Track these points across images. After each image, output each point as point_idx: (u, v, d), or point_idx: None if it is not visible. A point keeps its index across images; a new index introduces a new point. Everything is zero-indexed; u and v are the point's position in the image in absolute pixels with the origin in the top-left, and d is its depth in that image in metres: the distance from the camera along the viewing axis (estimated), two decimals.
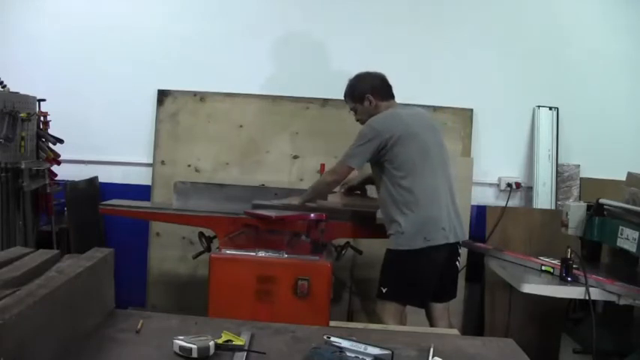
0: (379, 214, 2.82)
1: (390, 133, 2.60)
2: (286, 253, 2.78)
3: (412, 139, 2.62)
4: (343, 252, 2.95)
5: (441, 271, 2.67)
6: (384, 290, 2.65)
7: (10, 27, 3.80)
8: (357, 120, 2.86)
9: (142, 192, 3.69)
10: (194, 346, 1.32)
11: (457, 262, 2.78)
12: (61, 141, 3.32)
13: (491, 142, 3.78)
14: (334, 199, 3.05)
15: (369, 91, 2.77)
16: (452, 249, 2.70)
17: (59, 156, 3.40)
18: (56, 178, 3.40)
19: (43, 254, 1.57)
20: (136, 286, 3.69)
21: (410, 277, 2.62)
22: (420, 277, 2.64)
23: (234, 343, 1.40)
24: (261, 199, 3.02)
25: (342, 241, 3.01)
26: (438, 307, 2.77)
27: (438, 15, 3.77)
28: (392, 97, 2.82)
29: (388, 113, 2.72)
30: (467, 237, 2.79)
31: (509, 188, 3.74)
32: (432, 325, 2.76)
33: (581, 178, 3.75)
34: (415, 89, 3.71)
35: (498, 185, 3.79)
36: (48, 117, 3.34)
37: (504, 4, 3.78)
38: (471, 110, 3.75)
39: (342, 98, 3.73)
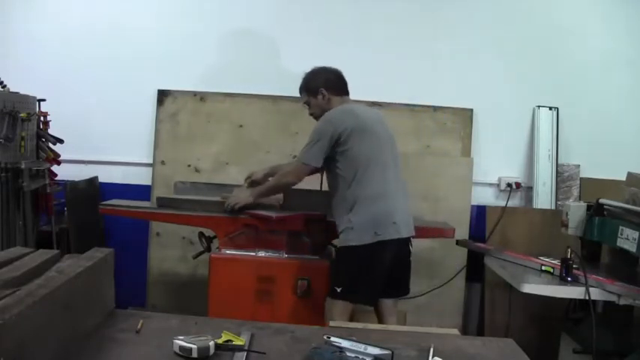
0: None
1: (344, 127, 2.58)
2: (286, 253, 2.78)
3: (365, 133, 2.61)
4: None
5: (391, 266, 2.62)
6: (338, 290, 2.60)
7: (11, 27, 3.80)
8: (311, 114, 2.85)
9: (142, 192, 3.68)
10: (194, 346, 1.32)
11: (409, 258, 2.74)
12: (61, 141, 3.32)
13: (491, 142, 3.78)
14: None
15: (322, 85, 2.76)
16: (403, 244, 2.66)
17: (59, 156, 3.40)
18: (56, 178, 3.40)
19: (43, 254, 1.57)
20: (136, 286, 3.69)
21: (362, 274, 2.58)
22: (372, 273, 2.59)
23: (234, 343, 1.40)
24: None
25: None
26: (387, 303, 2.73)
27: (439, 15, 3.77)
28: (346, 93, 2.81)
29: (342, 108, 2.71)
30: (413, 233, 2.72)
31: (509, 188, 3.74)
32: (380, 321, 2.71)
33: (581, 178, 3.75)
34: (415, 89, 3.73)
35: (498, 185, 3.79)
36: (48, 117, 3.34)
37: (504, 4, 3.78)
38: (471, 110, 3.75)
39: None
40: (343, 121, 2.61)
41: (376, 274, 2.60)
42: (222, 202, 2.86)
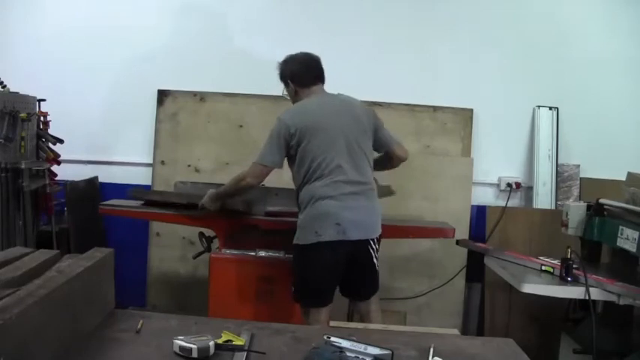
0: None
1: (295, 126, 2.53)
2: (286, 253, 2.78)
3: (316, 131, 2.53)
4: None
5: (342, 267, 2.54)
6: (292, 290, 2.60)
7: (11, 27, 3.80)
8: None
9: None
10: (194, 346, 1.32)
11: (374, 260, 2.59)
12: (61, 141, 3.32)
13: (491, 142, 3.78)
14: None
15: (288, 77, 2.71)
16: (358, 246, 2.52)
17: (59, 156, 3.40)
18: (56, 178, 3.40)
19: (43, 254, 1.57)
20: (136, 286, 3.69)
21: (306, 274, 2.54)
22: (312, 274, 2.53)
23: (234, 343, 1.40)
24: (262, 200, 3.02)
25: None
26: (361, 305, 2.69)
27: (439, 16, 3.77)
28: (314, 83, 2.70)
29: (297, 105, 2.67)
30: (376, 235, 2.59)
31: (509, 188, 3.74)
32: (363, 322, 2.65)
33: (581, 178, 3.75)
34: (415, 89, 3.73)
35: (498, 185, 3.79)
36: (48, 117, 3.34)
37: (505, 4, 3.77)
38: (471, 110, 3.75)
39: None
40: (292, 120, 2.55)
41: (316, 275, 2.53)
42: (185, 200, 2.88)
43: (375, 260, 2.60)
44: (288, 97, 2.80)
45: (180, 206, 2.90)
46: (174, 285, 3.75)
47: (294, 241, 2.56)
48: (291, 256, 2.70)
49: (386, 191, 2.97)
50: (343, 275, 2.57)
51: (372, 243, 2.57)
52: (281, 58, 3.76)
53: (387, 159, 2.80)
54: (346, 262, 2.53)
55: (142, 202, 3.05)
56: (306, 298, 2.58)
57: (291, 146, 2.56)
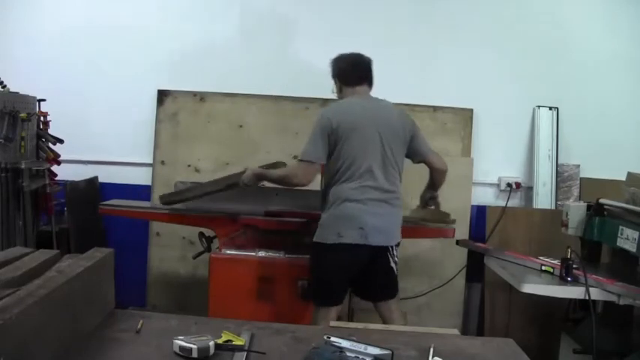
0: None
1: (337, 123, 2.52)
2: (286, 253, 2.78)
3: (353, 132, 2.52)
4: None
5: (359, 271, 2.56)
6: (306, 288, 2.62)
7: (11, 27, 3.80)
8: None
9: (142, 192, 3.69)
10: (194, 346, 1.32)
11: (391, 264, 2.62)
12: (61, 141, 3.32)
13: (491, 142, 3.78)
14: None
15: (335, 74, 2.72)
16: (377, 251, 2.55)
17: (59, 156, 3.40)
18: (56, 178, 3.40)
19: (43, 254, 1.57)
20: (136, 286, 3.69)
21: (318, 273, 2.57)
22: (328, 274, 2.56)
23: (234, 343, 1.40)
24: (262, 200, 3.02)
25: None
26: (382, 305, 2.70)
27: (439, 15, 3.77)
28: (359, 83, 2.69)
29: (339, 103, 2.67)
30: (396, 242, 2.63)
31: (509, 188, 3.74)
32: (384, 322, 2.67)
33: (581, 178, 3.75)
34: (415, 89, 3.73)
35: (498, 185, 3.79)
36: (48, 117, 3.34)
37: (505, 4, 3.78)
38: (471, 110, 3.75)
39: None
40: (334, 116, 2.55)
41: (335, 276, 2.55)
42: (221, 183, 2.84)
43: (392, 265, 2.63)
44: (336, 96, 2.80)
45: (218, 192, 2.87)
46: (174, 285, 3.75)
47: (314, 239, 2.57)
48: (292, 256, 2.70)
49: (444, 218, 2.94)
50: (360, 278, 2.60)
51: (390, 249, 2.61)
52: (280, 57, 3.80)
53: (430, 173, 2.81)
54: (364, 265, 2.56)
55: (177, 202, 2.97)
56: (319, 297, 2.60)
57: (331, 142, 2.54)
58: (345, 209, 2.50)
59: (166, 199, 2.96)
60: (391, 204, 2.58)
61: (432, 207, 2.91)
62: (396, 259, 2.65)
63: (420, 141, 2.73)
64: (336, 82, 2.74)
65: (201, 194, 2.90)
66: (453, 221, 2.99)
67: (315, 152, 2.55)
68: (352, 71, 2.71)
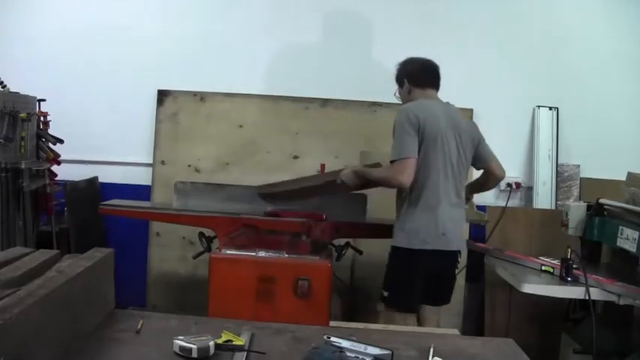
0: None
1: (421, 118, 2.48)
2: (286, 253, 2.78)
3: (438, 135, 2.50)
4: (343, 252, 2.95)
5: (434, 276, 2.59)
6: (385, 294, 2.60)
7: (10, 27, 3.80)
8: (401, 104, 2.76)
9: (142, 192, 3.69)
10: (194, 346, 1.32)
11: (455, 270, 2.69)
12: (61, 141, 3.32)
13: (491, 142, 3.73)
14: None
15: (405, 75, 2.70)
16: (451, 256, 2.61)
17: (59, 156, 3.40)
18: (56, 178, 3.40)
19: (43, 254, 1.57)
20: (136, 286, 3.69)
21: (403, 278, 2.57)
22: (411, 279, 2.56)
23: (234, 343, 1.40)
24: (261, 199, 3.02)
25: (342, 241, 3.01)
26: (430, 309, 2.71)
27: (438, 15, 3.77)
28: (430, 86, 2.68)
29: (416, 102, 2.61)
30: (465, 248, 2.70)
31: (509, 188, 3.73)
32: (419, 324, 2.69)
33: (581, 178, 3.75)
34: None
35: (498, 185, 3.78)
36: (48, 117, 3.34)
37: (505, 4, 3.78)
38: (471, 110, 3.75)
39: (342, 98, 3.77)
40: (420, 114, 2.49)
41: (418, 281, 2.57)
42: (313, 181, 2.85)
43: (456, 271, 2.67)
44: (399, 99, 2.78)
45: (316, 189, 2.85)
46: (174, 285, 3.75)
47: (395, 244, 2.57)
48: (292, 256, 2.70)
49: (480, 218, 3.00)
50: (432, 282, 2.61)
51: (459, 255, 2.65)
52: (280, 57, 3.80)
53: (485, 178, 2.82)
54: (440, 269, 2.60)
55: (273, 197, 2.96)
56: (404, 303, 2.60)
57: (418, 138, 2.49)
58: (430, 215, 2.51)
59: (263, 191, 2.94)
60: (462, 208, 2.63)
61: (467, 207, 2.91)
62: (458, 264, 2.68)
63: (486, 147, 2.75)
64: (404, 84, 2.71)
65: (299, 188, 2.89)
66: (487, 221, 3.00)
67: (410, 147, 2.48)
68: (423, 73, 2.70)
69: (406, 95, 2.71)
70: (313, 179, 2.94)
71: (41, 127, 3.30)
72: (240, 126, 3.77)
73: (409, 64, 2.72)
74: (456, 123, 2.61)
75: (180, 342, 1.34)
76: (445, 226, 2.52)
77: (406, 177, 2.46)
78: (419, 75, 2.70)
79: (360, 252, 3.16)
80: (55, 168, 3.38)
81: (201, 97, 3.78)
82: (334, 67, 3.75)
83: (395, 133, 2.53)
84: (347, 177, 2.69)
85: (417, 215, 2.52)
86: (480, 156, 2.71)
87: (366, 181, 2.70)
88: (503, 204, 3.69)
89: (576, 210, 2.77)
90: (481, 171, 2.83)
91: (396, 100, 3.70)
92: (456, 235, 2.58)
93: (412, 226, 2.53)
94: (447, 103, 2.70)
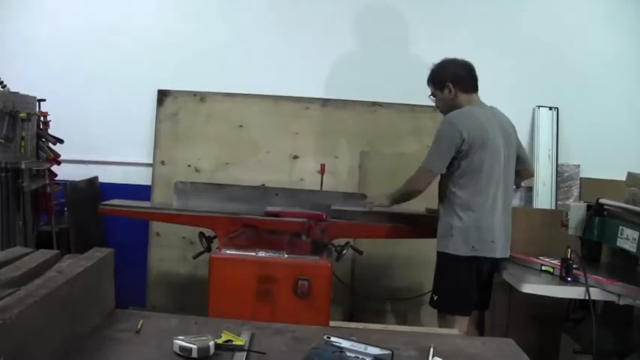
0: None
1: (468, 133, 2.48)
2: (286, 253, 2.78)
3: (484, 144, 2.51)
4: (343, 252, 2.95)
5: (480, 282, 2.63)
6: (435, 298, 2.62)
7: (10, 27, 3.80)
8: (437, 106, 2.75)
9: (142, 192, 3.69)
10: (194, 346, 1.32)
11: (493, 276, 2.73)
12: (61, 141, 3.32)
13: None
14: None
15: (450, 79, 2.61)
16: (496, 263, 2.64)
17: (59, 156, 3.40)
18: (56, 178, 3.40)
19: (43, 254, 1.57)
20: (136, 286, 3.69)
21: (454, 284, 2.59)
22: (464, 285, 2.58)
23: (234, 343, 1.40)
24: (262, 200, 3.01)
25: (342, 241, 3.01)
26: (472, 314, 2.75)
27: (438, 15, 3.77)
28: (474, 90, 2.65)
29: (464, 111, 2.58)
30: (508, 254, 2.69)
31: None
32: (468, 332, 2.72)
33: (581, 178, 3.75)
34: (415, 89, 3.71)
35: None
36: (48, 117, 3.34)
37: (505, 4, 3.78)
38: None
39: (342, 98, 3.76)
40: (464, 125, 2.49)
41: (466, 286, 2.59)
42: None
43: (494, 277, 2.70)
44: (435, 101, 2.72)
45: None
46: (174, 285, 3.75)
47: (443, 249, 2.58)
48: (292, 256, 2.69)
49: None
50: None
51: (503, 262, 2.67)
52: (280, 57, 3.79)
53: (516, 177, 2.80)
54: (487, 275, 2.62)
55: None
56: (456, 308, 2.62)
57: (459, 151, 2.50)
58: (479, 222, 2.52)
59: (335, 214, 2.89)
60: (510, 215, 2.63)
61: None
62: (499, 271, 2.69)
63: (524, 150, 2.78)
64: (447, 88, 2.63)
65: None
66: None
67: (439, 163, 2.53)
68: (469, 77, 2.64)
69: (450, 101, 2.63)
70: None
71: (41, 127, 3.30)
72: (240, 126, 3.77)
73: (452, 66, 2.63)
74: (504, 129, 2.61)
75: (180, 342, 1.34)
76: (494, 233, 2.54)
77: (422, 186, 2.56)
78: (466, 79, 2.62)
79: (360, 252, 3.16)
80: (55, 168, 3.38)
81: (201, 97, 3.78)
82: (334, 67, 3.76)
83: (434, 140, 2.55)
84: (382, 204, 2.76)
85: (465, 221, 2.53)
86: (520, 158, 2.74)
87: (398, 199, 2.74)
88: None
89: (576, 210, 2.77)
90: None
91: (397, 100, 3.73)
92: (502, 243, 2.59)
93: (462, 232, 2.54)
94: (492, 107, 2.67)
